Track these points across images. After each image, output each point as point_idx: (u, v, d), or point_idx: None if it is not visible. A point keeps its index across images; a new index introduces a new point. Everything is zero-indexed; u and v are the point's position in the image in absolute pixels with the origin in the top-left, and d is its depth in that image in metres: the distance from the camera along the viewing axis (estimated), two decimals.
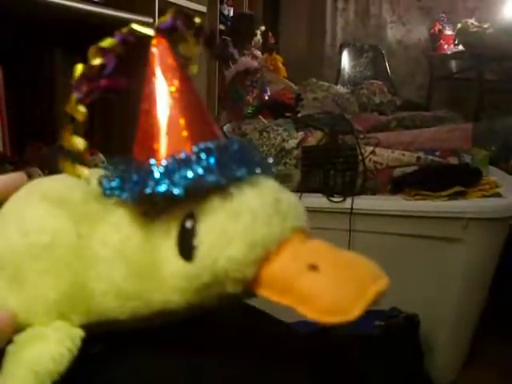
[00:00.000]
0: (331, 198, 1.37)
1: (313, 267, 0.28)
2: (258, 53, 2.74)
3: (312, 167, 1.40)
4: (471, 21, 3.48)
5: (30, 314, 0.32)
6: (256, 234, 0.29)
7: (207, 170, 0.29)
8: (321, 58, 4.14)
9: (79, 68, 0.32)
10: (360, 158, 1.39)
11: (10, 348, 0.31)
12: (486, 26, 3.38)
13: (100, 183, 0.32)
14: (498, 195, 1.39)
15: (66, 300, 0.32)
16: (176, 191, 0.29)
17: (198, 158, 0.30)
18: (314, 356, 0.43)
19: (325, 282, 0.28)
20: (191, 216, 0.30)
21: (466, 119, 1.83)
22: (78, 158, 0.32)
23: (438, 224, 1.36)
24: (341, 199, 1.37)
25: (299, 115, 1.77)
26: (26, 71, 1.40)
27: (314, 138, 1.45)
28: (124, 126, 1.44)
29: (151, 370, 0.34)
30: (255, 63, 2.35)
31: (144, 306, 0.32)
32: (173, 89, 0.32)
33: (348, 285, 0.28)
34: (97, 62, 0.32)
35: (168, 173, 0.29)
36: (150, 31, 0.33)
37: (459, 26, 3.55)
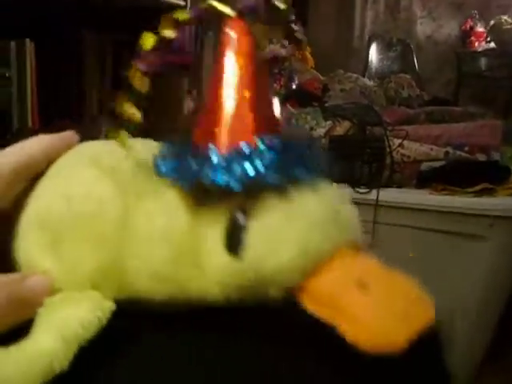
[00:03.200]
0: (357, 189, 1.36)
1: (363, 286, 0.27)
2: (287, 42, 2.72)
3: (339, 157, 1.39)
4: (505, 17, 3.42)
5: (64, 280, 0.32)
6: (310, 241, 0.28)
7: (269, 167, 0.28)
8: (348, 49, 4.10)
9: (149, 38, 0.30)
10: (387, 150, 1.38)
11: (41, 310, 0.31)
12: None
13: (155, 163, 0.31)
14: None
15: (102, 272, 0.32)
16: (235, 187, 0.28)
17: (261, 154, 0.28)
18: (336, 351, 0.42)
19: (373, 305, 0.27)
20: (243, 210, 0.29)
21: (495, 116, 1.80)
22: (130, 129, 0.31)
23: (464, 220, 1.34)
24: (366, 191, 1.36)
25: (326, 105, 1.76)
26: (58, 48, 1.41)
27: (342, 127, 1.44)
28: (165, 111, 1.45)
29: (175, 350, 0.34)
30: (283, 52, 2.34)
31: (179, 291, 0.31)
32: (246, 77, 0.31)
33: (397, 313, 0.26)
34: (170, 34, 0.30)
35: (228, 165, 0.28)
36: (230, 11, 0.31)
37: (492, 22, 3.50)
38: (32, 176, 0.34)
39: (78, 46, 1.46)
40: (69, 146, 0.36)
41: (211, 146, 0.29)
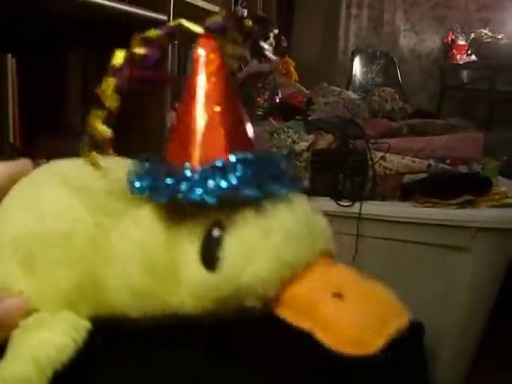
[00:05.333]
0: (340, 202, 1.37)
1: (338, 294, 0.28)
2: (271, 56, 2.74)
3: (321, 170, 1.40)
4: (485, 31, 3.47)
5: (39, 299, 0.32)
6: (285, 254, 0.29)
7: (243, 181, 0.28)
8: (333, 63, 4.13)
9: (120, 55, 0.31)
10: (370, 163, 1.39)
11: (15, 332, 0.30)
12: (499, 36, 3.38)
13: (129, 180, 0.31)
14: (508, 205, 1.38)
15: (77, 290, 0.32)
16: (209, 200, 0.28)
17: (235, 168, 0.29)
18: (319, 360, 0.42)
19: (348, 312, 0.27)
20: (219, 224, 0.29)
21: (477, 129, 1.82)
22: (100, 147, 0.32)
23: (446, 232, 1.35)
24: (349, 204, 1.36)
25: (310, 119, 1.77)
26: (40, 64, 1.40)
27: (325, 141, 1.44)
28: (140, 127, 1.45)
29: (155, 365, 0.34)
30: (267, 66, 2.35)
31: (157, 306, 0.31)
32: (217, 93, 0.31)
33: (371, 318, 0.27)
34: (141, 51, 0.31)
35: (202, 180, 0.28)
36: (198, 29, 0.32)
37: (473, 36, 3.55)
38: None
39: (61, 61, 1.45)
40: (23, 174, 0.36)
41: (185, 162, 0.29)
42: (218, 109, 0.31)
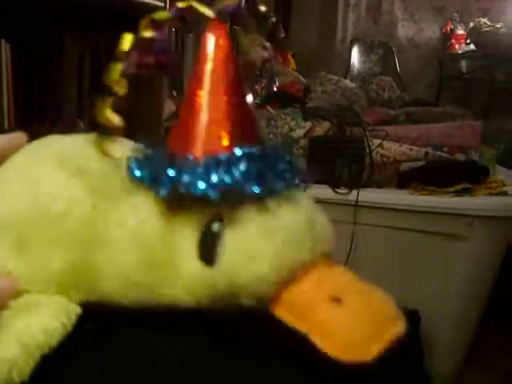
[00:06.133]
0: (337, 190, 1.36)
1: (336, 298, 0.27)
2: (268, 44, 2.72)
3: (318, 158, 1.39)
4: (484, 20, 3.46)
5: (29, 280, 0.31)
6: (286, 255, 0.28)
7: (246, 177, 0.28)
8: (331, 52, 4.12)
9: (128, 38, 0.29)
10: (367, 150, 1.38)
11: (5, 313, 0.30)
12: (498, 25, 3.37)
13: (129, 168, 0.30)
14: (505, 194, 1.38)
15: (69, 274, 0.31)
16: (212, 195, 0.27)
17: (239, 162, 0.28)
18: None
19: (345, 317, 0.27)
20: (219, 218, 0.29)
21: (475, 117, 1.82)
22: (112, 136, 0.30)
23: (444, 220, 1.35)
24: (346, 191, 1.36)
25: (306, 106, 1.76)
26: (35, 50, 1.39)
27: (322, 128, 1.44)
28: (136, 115, 1.44)
29: (148, 350, 0.33)
30: (265, 54, 2.34)
31: (150, 297, 0.31)
32: (224, 81, 0.30)
33: (368, 324, 0.27)
34: (149, 34, 0.30)
35: (206, 173, 0.28)
36: (209, 12, 0.30)
37: (472, 25, 3.54)
38: None
39: (56, 47, 1.45)
40: (17, 148, 0.35)
41: (188, 153, 0.28)
42: (224, 99, 0.30)
